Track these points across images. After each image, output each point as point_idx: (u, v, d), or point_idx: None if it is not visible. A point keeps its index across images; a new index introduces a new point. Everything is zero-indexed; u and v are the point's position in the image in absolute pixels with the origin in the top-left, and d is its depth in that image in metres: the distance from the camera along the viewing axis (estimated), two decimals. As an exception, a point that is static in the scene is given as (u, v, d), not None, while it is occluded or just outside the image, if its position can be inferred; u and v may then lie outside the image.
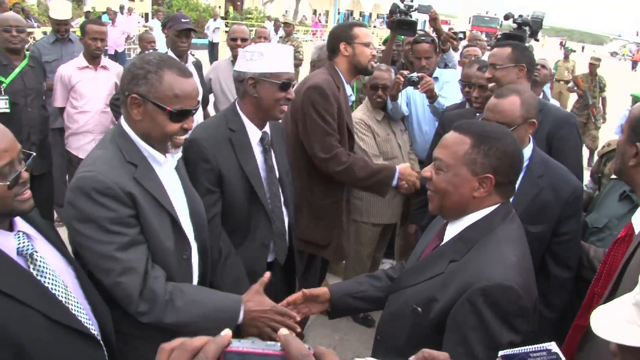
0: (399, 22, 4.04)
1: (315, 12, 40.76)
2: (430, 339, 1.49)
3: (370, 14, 49.12)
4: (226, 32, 18.31)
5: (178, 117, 1.71)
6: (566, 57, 12.72)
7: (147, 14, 27.10)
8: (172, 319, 1.70)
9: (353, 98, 3.11)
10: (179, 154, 1.85)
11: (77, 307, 1.57)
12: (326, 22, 35.19)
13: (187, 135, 1.84)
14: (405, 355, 1.45)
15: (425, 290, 1.56)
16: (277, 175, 2.39)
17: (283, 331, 0.70)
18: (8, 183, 1.41)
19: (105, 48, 4.47)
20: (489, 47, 5.92)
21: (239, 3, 34.80)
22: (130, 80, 1.71)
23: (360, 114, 3.72)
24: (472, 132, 1.57)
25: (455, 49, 4.83)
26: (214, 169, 2.16)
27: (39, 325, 1.43)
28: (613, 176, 2.48)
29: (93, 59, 4.42)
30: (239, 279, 2.23)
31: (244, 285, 2.09)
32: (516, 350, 1.13)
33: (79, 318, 1.55)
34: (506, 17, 3.94)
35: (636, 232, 1.74)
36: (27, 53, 4.33)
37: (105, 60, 4.61)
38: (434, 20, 4.14)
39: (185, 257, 1.85)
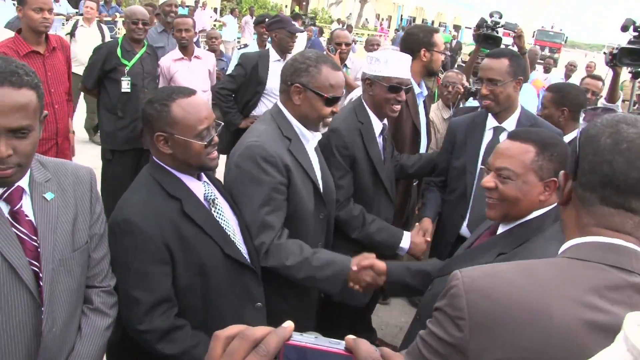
0: (485, 36, 4.35)
1: (378, 16, 41.04)
2: None
3: (433, 22, 48.95)
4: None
5: (331, 102, 2.14)
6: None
7: (216, 9, 28.10)
8: (292, 267, 2.06)
9: (425, 93, 3.43)
10: (319, 135, 2.27)
11: (241, 246, 1.98)
12: (388, 27, 35.42)
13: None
14: None
15: None
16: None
17: (351, 336, 0.66)
18: (205, 143, 1.78)
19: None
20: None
21: (304, 3, 35.50)
22: (292, 73, 2.14)
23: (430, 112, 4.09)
24: (534, 140, 1.68)
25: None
26: (351, 155, 2.56)
27: (216, 254, 1.83)
28: None
29: (184, 49, 4.87)
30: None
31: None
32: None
33: (244, 255, 1.96)
34: (624, 28, 3.57)
35: None
36: (145, 41, 4.88)
37: (198, 51, 5.07)
38: (518, 38, 4.43)
39: (321, 217, 2.28)
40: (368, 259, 2.15)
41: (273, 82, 4.43)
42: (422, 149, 3.40)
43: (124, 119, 4.54)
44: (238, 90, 4.51)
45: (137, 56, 4.66)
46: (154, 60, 4.86)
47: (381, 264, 2.13)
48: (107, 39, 7.11)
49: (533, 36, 38.02)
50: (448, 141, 2.97)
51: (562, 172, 1.17)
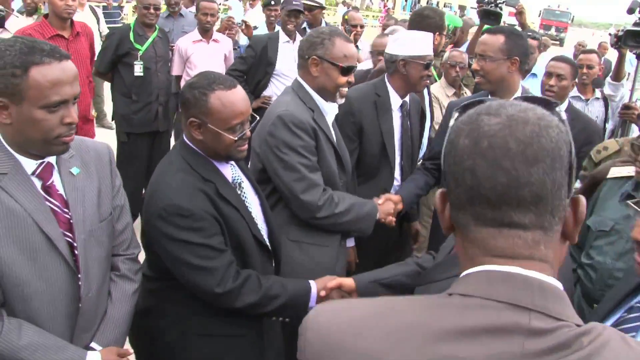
0: (486, 12, 4.45)
1: (382, -3, 40.72)
2: None
3: (438, 3, 48.55)
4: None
5: (346, 71, 2.29)
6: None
7: (220, -7, 28.01)
8: (342, 213, 2.28)
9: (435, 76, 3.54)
10: (335, 109, 2.42)
11: (263, 226, 2.06)
12: (393, 8, 35.15)
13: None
14: None
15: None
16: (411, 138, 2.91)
17: None
18: (236, 139, 1.81)
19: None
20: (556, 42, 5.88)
21: (308, -14, 35.19)
22: (309, 47, 2.30)
23: (432, 89, 4.14)
24: None
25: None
26: (357, 122, 2.73)
27: (248, 233, 1.91)
28: (609, 176, 2.30)
29: (205, 32, 5.03)
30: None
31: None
32: None
33: (264, 235, 2.04)
34: (630, 10, 3.55)
35: None
36: (157, 26, 5.00)
37: (216, 35, 5.23)
38: (519, 14, 4.53)
39: (342, 182, 2.44)
40: (334, 279, 2.05)
41: (282, 63, 4.55)
42: (426, 129, 3.51)
43: (138, 103, 4.67)
44: (248, 71, 4.63)
45: (150, 40, 4.77)
46: (166, 44, 4.98)
47: (349, 283, 2.02)
48: (102, 22, 7.25)
49: (539, 15, 37.63)
50: (445, 122, 2.92)
51: (439, 191, 0.90)
